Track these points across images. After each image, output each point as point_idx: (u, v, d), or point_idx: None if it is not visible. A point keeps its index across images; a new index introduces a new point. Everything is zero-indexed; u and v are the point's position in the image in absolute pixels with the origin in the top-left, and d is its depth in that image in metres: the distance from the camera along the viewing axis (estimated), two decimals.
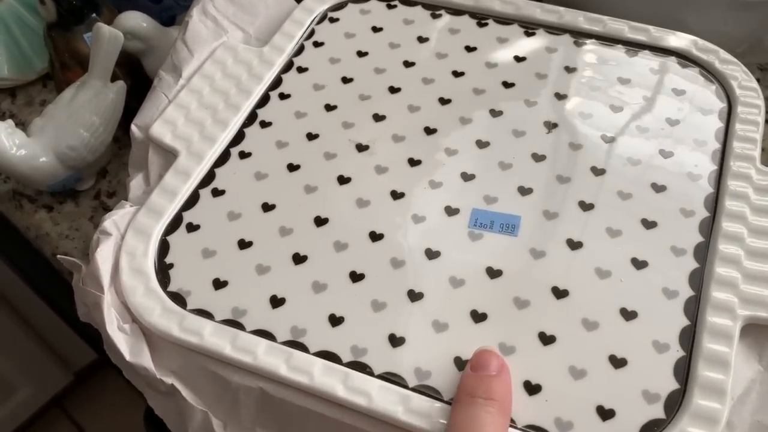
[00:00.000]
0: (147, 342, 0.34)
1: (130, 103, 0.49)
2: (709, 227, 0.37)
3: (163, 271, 0.36)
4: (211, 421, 0.33)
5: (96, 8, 0.53)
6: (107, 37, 0.48)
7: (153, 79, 0.46)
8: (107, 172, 0.52)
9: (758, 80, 0.44)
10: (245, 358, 0.33)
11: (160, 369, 0.34)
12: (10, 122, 0.47)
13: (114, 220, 0.38)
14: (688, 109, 0.43)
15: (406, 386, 0.32)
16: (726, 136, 0.41)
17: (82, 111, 0.49)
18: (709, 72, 0.44)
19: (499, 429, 0.29)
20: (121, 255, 0.36)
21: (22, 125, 0.55)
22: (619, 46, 0.46)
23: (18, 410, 1.04)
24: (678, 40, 0.46)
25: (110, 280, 0.36)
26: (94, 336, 0.35)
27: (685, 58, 0.45)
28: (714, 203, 0.38)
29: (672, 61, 0.45)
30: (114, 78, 0.50)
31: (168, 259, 0.37)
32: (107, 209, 0.49)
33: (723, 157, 0.40)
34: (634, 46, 0.46)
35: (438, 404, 0.31)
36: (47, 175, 0.49)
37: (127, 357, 0.34)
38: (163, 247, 0.37)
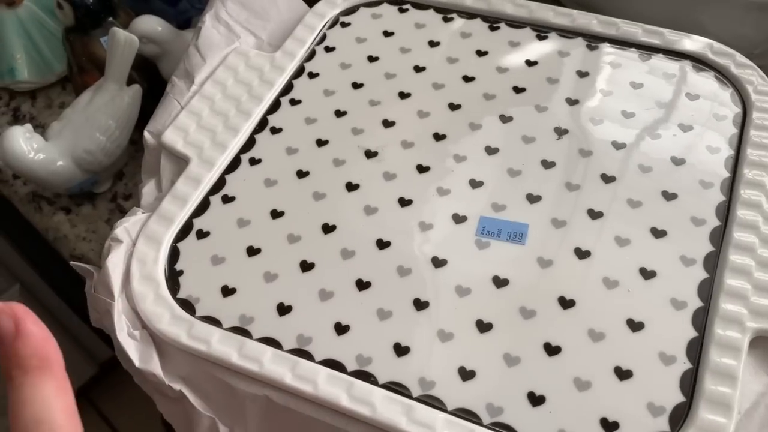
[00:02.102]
0: (156, 348, 0.35)
1: (147, 106, 0.50)
2: (720, 236, 0.37)
3: (173, 278, 0.37)
4: (218, 427, 0.34)
5: (112, 12, 0.53)
6: (122, 42, 0.49)
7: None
8: (124, 175, 0.53)
9: None
10: (251, 366, 0.33)
11: (169, 375, 0.35)
12: (28, 126, 0.48)
13: (125, 227, 0.38)
14: (701, 114, 0.42)
15: (410, 396, 0.32)
16: (740, 142, 0.40)
17: (99, 115, 0.50)
18: (725, 76, 0.44)
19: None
20: (132, 262, 0.37)
21: (42, 128, 0.56)
22: (633, 49, 0.45)
23: None
24: (693, 43, 0.45)
25: (121, 286, 0.36)
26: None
27: (699, 61, 0.44)
28: (726, 212, 0.38)
29: (686, 65, 0.44)
30: (130, 81, 0.51)
31: (178, 266, 0.37)
32: (124, 212, 0.50)
33: (736, 164, 0.40)
34: (647, 50, 0.45)
35: (442, 414, 0.32)
36: (64, 178, 0.49)
37: (137, 363, 0.34)
38: (174, 254, 0.38)
